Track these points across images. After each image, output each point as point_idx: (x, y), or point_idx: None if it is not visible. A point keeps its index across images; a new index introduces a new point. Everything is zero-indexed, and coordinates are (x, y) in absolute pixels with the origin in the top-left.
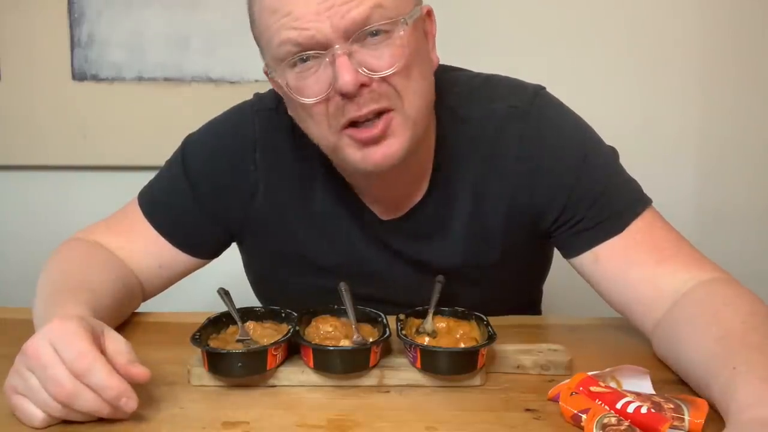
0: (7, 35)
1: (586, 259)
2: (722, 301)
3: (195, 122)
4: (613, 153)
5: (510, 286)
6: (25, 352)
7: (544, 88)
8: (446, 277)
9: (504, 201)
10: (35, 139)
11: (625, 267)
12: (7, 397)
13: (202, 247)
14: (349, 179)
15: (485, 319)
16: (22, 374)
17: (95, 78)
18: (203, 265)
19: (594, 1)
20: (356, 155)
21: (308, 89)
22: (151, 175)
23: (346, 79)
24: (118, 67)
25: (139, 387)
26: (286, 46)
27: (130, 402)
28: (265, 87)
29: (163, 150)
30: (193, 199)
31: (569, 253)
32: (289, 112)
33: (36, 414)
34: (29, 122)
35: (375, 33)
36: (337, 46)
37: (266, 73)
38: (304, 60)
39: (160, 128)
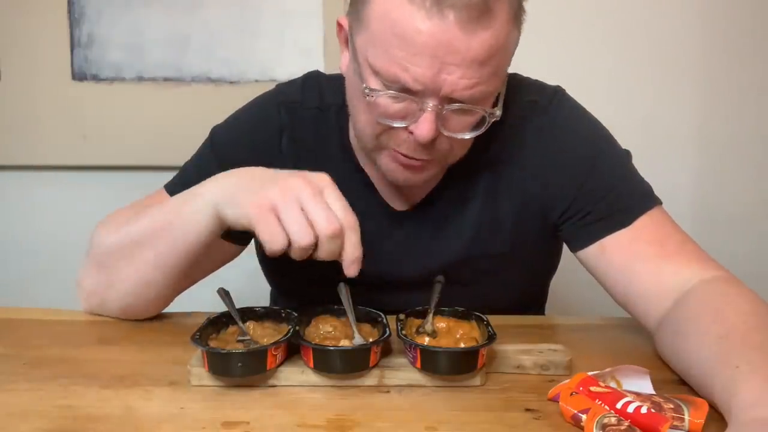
0: (7, 35)
1: (592, 251)
2: (724, 300)
3: (195, 122)
4: (626, 154)
5: (516, 281)
6: (308, 181)
7: (563, 89)
8: (453, 267)
9: (516, 191)
10: (35, 139)
11: (630, 259)
12: (257, 210)
13: (233, 234)
14: (369, 170)
15: (485, 319)
16: (288, 199)
17: (95, 78)
18: (233, 252)
19: (593, 1)
20: (391, 166)
21: (386, 108)
22: (151, 175)
23: (426, 133)
24: (118, 67)
25: (138, 387)
26: (391, 76)
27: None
28: (265, 87)
29: (163, 150)
30: None
31: (576, 245)
32: (348, 93)
33: (279, 238)
34: (29, 122)
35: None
36: (432, 104)
37: (348, 33)
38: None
39: (160, 128)
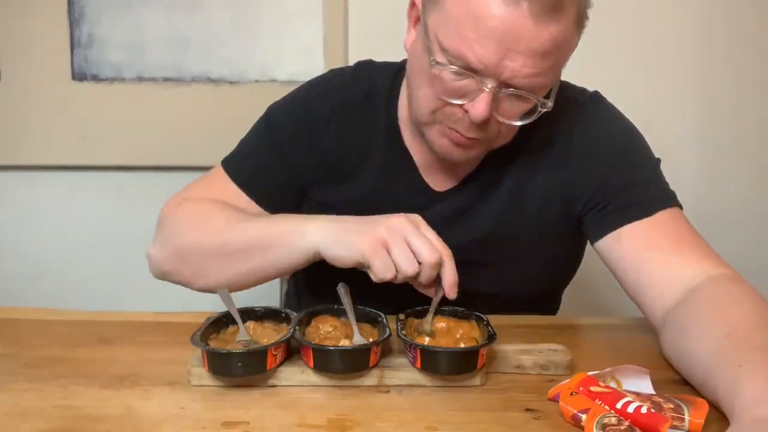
0: (7, 35)
1: (609, 240)
2: (729, 299)
3: (195, 122)
4: (656, 159)
5: (535, 271)
6: (408, 219)
7: (601, 94)
8: (479, 245)
9: (545, 178)
10: (35, 139)
11: (644, 248)
12: (370, 247)
13: (282, 208)
14: (413, 152)
15: (485, 319)
16: (396, 235)
17: (95, 78)
18: None
19: (592, 1)
20: (441, 141)
21: (449, 83)
22: (151, 175)
23: (481, 112)
24: (118, 67)
25: (138, 387)
26: (457, 53)
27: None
28: (264, 88)
29: (163, 150)
30: (276, 157)
31: (596, 234)
32: (409, 69)
33: (391, 269)
34: (29, 122)
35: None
36: (490, 85)
37: (420, 11)
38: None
39: (160, 128)
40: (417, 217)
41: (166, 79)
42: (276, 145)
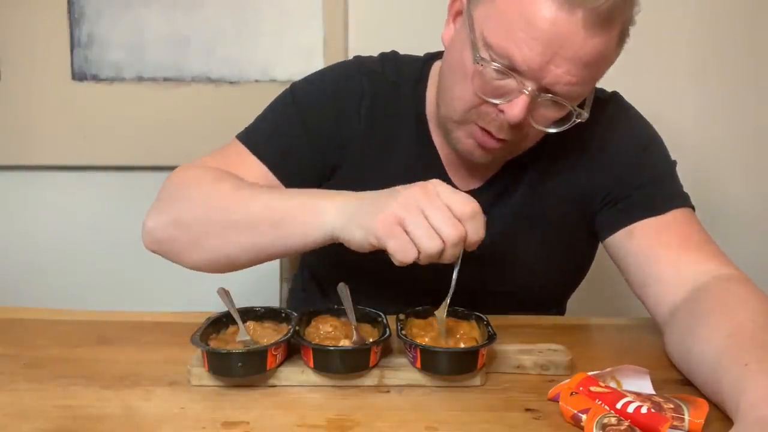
0: (7, 35)
1: (620, 236)
2: (735, 299)
3: (195, 122)
4: (673, 161)
5: (546, 271)
6: (425, 189)
7: (620, 94)
8: (491, 247)
9: (564, 177)
10: (35, 139)
11: (654, 244)
12: (382, 226)
13: (304, 183)
14: (440, 148)
15: (485, 319)
16: (411, 210)
17: (95, 78)
18: None
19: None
20: (466, 141)
21: (489, 81)
22: (151, 175)
23: (517, 113)
24: (118, 67)
25: (138, 387)
26: (503, 52)
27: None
28: (265, 87)
29: (163, 150)
30: (304, 133)
31: (608, 230)
32: (446, 64)
33: (411, 250)
34: (29, 122)
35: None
36: (530, 88)
37: (464, 5)
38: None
39: (160, 128)
40: (435, 185)
41: (166, 79)
42: (304, 120)
